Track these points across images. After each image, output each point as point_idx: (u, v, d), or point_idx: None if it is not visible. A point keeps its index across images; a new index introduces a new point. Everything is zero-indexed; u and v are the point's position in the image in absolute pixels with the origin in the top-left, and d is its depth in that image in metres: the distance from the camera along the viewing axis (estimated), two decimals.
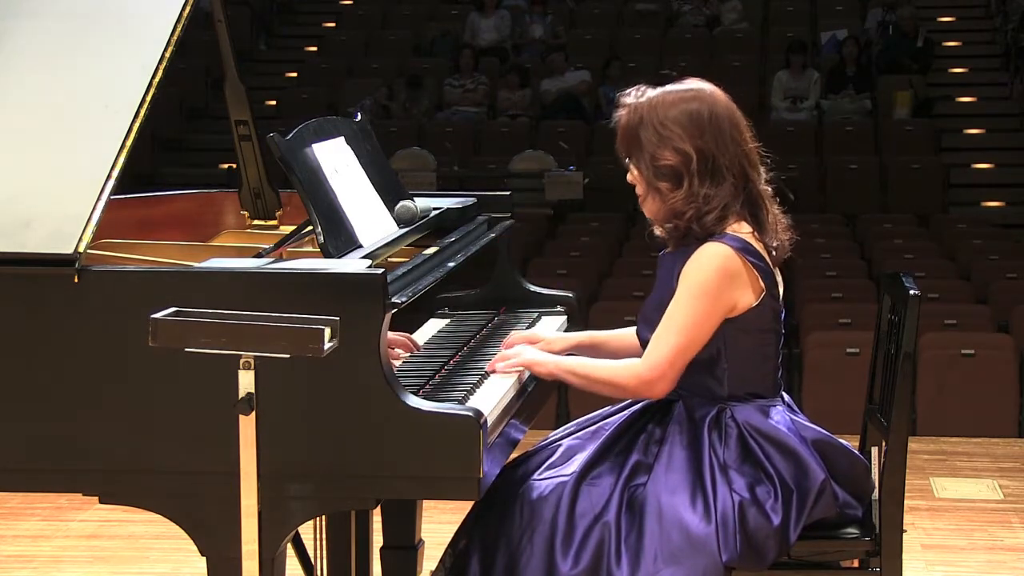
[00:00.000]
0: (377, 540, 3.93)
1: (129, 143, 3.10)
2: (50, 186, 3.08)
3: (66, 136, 3.17)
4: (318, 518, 3.62)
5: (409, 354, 3.40)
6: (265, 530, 2.77)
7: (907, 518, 3.32)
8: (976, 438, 6.99)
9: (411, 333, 3.50)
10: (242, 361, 2.69)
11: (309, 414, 2.89)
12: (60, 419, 2.96)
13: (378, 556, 3.94)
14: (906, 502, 3.25)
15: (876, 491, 3.26)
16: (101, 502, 3.02)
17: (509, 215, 4.05)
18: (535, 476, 3.19)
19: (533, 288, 4.03)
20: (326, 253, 3.14)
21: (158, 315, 2.67)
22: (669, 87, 3.22)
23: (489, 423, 2.92)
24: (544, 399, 3.48)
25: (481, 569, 3.13)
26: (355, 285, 2.89)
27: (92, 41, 3.30)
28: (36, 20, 3.33)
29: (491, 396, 3.14)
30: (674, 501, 3.07)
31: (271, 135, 3.20)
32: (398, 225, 3.56)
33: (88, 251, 3.00)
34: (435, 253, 3.41)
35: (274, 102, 14.02)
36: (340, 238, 3.22)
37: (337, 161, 3.43)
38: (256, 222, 3.97)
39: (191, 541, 2.97)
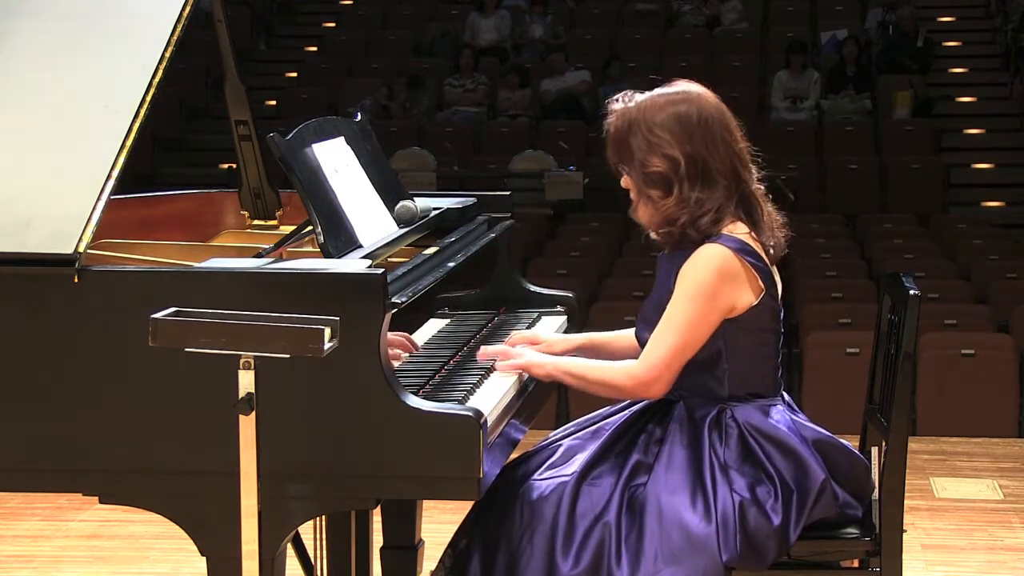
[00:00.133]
0: (377, 540, 3.93)
1: (129, 143, 3.10)
2: (50, 186, 3.08)
3: (66, 136, 3.17)
4: (318, 518, 3.62)
5: (409, 354, 3.40)
6: (265, 530, 2.77)
7: (907, 518, 3.32)
8: (976, 438, 6.99)
9: (411, 333, 3.50)
10: (242, 361, 2.69)
11: (309, 414, 2.89)
12: (60, 419, 2.96)
13: (378, 556, 3.94)
14: (906, 502, 3.25)
15: (876, 491, 3.26)
16: (101, 502, 3.02)
17: (509, 215, 4.04)
18: (535, 476, 3.19)
19: (533, 288, 4.03)
20: (326, 253, 3.14)
21: (158, 315, 2.67)
22: (657, 91, 3.21)
23: (489, 423, 2.92)
24: (544, 399, 3.48)
25: (481, 569, 3.13)
26: (355, 285, 2.89)
27: (92, 41, 3.30)
28: (36, 20, 3.33)
29: (491, 396, 3.14)
30: (674, 501, 3.07)
31: (271, 135, 3.20)
32: (398, 225, 3.56)
33: (88, 251, 3.00)
34: (435, 253, 3.41)
35: (274, 102, 14.02)
36: (340, 238, 3.22)
37: (337, 161, 3.43)
38: (256, 222, 3.97)
39: (191, 541, 2.97)
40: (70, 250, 2.97)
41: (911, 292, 3.29)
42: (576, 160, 12.34)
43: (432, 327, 3.69)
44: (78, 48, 3.30)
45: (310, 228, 3.25)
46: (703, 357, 3.16)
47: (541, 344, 3.43)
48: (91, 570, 5.12)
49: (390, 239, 3.41)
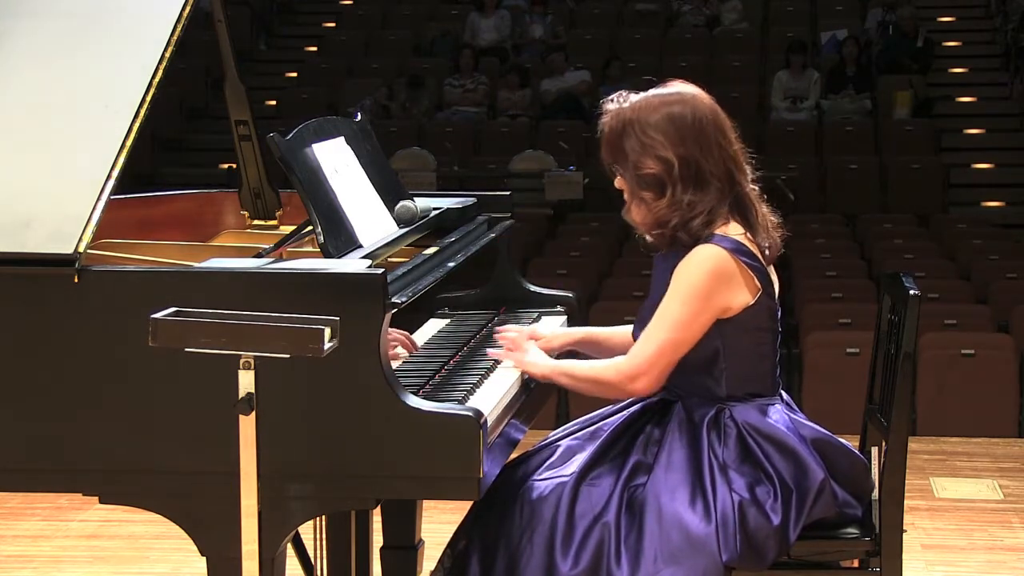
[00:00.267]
0: (377, 540, 3.93)
1: (129, 143, 3.10)
2: (50, 186, 3.08)
3: (66, 136, 3.17)
4: (318, 518, 3.62)
5: (409, 354, 3.40)
6: (265, 530, 2.77)
7: (907, 518, 3.32)
8: (976, 438, 6.98)
9: (411, 333, 3.50)
10: (242, 361, 2.69)
11: (309, 414, 2.89)
12: (60, 419, 2.96)
13: (378, 556, 3.94)
14: (906, 502, 3.25)
15: (876, 491, 3.26)
16: (101, 502, 3.02)
17: (509, 215, 4.04)
18: (535, 476, 3.19)
19: (533, 288, 4.03)
20: (326, 253, 3.14)
21: (158, 315, 2.67)
22: (651, 92, 3.20)
23: (489, 423, 2.92)
24: (544, 399, 3.48)
25: (481, 569, 3.13)
26: (355, 285, 2.89)
27: (92, 41, 3.30)
28: (36, 20, 3.33)
29: (491, 396, 3.15)
30: (674, 501, 3.06)
31: (271, 135, 3.20)
32: (398, 225, 3.56)
33: (88, 251, 3.00)
34: (435, 253, 3.42)
35: (274, 102, 14.02)
36: (340, 238, 3.22)
37: (337, 161, 3.43)
38: (256, 222, 3.97)
39: (191, 541, 2.97)
40: (70, 250, 2.97)
41: (911, 292, 3.29)
42: (576, 160, 12.34)
43: (432, 327, 3.69)
44: (78, 48, 3.30)
45: (310, 228, 3.25)
46: (701, 357, 3.16)
47: (540, 339, 3.44)
48: (91, 570, 5.11)
49: (390, 239, 3.41)
